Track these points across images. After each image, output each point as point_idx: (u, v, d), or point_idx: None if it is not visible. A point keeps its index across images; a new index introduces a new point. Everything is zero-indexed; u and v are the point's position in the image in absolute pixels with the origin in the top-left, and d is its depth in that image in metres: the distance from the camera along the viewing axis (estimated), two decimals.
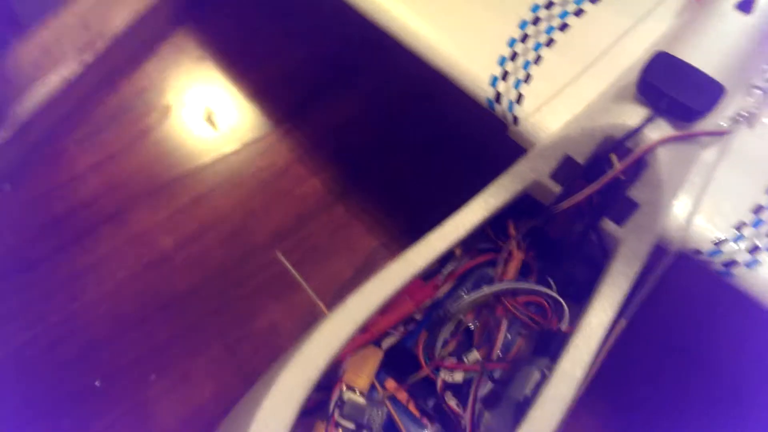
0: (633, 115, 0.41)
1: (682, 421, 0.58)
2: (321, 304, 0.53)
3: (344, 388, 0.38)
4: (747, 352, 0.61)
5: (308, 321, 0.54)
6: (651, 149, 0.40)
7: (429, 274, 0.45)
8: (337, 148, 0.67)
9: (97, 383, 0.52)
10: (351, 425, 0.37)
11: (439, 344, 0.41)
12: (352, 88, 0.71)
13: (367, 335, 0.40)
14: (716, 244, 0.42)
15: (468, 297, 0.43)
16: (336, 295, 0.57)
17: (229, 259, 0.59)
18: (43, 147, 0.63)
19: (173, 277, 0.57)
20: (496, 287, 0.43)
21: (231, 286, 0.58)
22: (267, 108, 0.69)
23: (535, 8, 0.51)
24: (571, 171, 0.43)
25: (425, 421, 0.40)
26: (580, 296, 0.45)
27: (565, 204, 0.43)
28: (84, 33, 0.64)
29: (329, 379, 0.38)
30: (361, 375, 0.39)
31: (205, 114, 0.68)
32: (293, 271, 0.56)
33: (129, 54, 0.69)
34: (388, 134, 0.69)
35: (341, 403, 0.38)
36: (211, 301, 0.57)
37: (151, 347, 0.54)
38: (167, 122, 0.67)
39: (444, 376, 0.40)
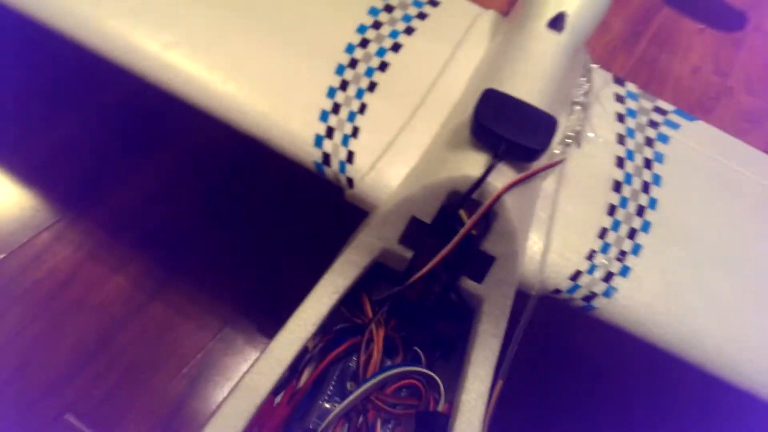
0: (473, 164, 0.37)
1: None
2: None
3: None
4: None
5: None
6: (497, 199, 0.36)
7: (278, 386, 0.37)
8: (141, 232, 0.55)
9: None
10: None
11: None
12: (145, 159, 0.60)
13: None
14: (572, 278, 0.40)
15: (334, 410, 0.35)
16: (168, 425, 0.46)
17: (8, 418, 0.44)
18: None
19: None
20: (362, 389, 0.36)
21: None
22: (34, 200, 0.54)
23: (350, 48, 0.46)
24: (419, 232, 0.38)
25: None
26: (453, 358, 0.41)
27: (420, 273, 0.38)
28: None
29: None
30: None
31: None
32: None
33: None
34: (203, 204, 0.59)
35: None
36: None
37: None
38: None
39: None
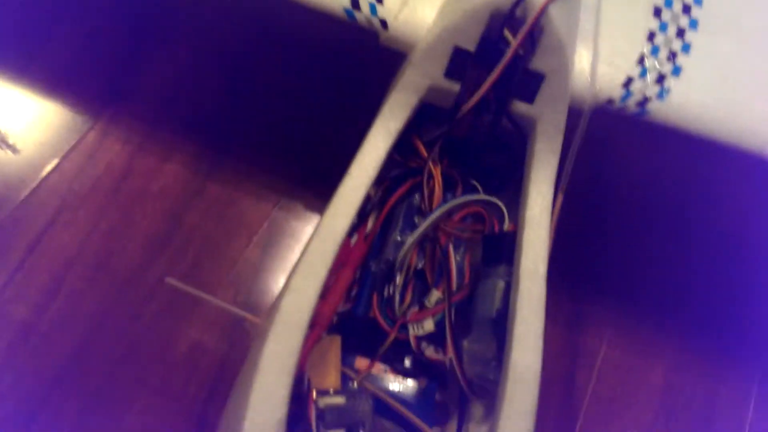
0: None
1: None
2: (237, 311, 0.45)
3: (315, 396, 0.33)
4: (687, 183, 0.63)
5: (231, 333, 0.47)
6: (543, 11, 0.35)
7: (351, 230, 0.39)
8: (183, 115, 0.56)
9: None
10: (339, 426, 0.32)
11: (396, 300, 0.36)
12: (168, 45, 0.58)
13: (315, 331, 0.34)
14: (625, 86, 0.40)
15: (408, 239, 0.37)
16: (253, 286, 0.50)
17: (107, 298, 0.48)
18: None
19: (50, 346, 0.46)
20: (432, 218, 0.38)
21: (128, 323, 0.48)
22: (73, 102, 0.55)
23: None
24: (464, 61, 0.38)
25: (411, 382, 0.36)
26: (509, 185, 0.42)
27: (470, 103, 0.38)
28: None
29: (300, 390, 0.32)
30: (327, 373, 0.34)
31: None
32: (190, 290, 0.46)
33: None
34: (238, 78, 0.58)
35: (320, 413, 0.32)
36: (110, 351, 0.47)
37: (67, 427, 0.45)
38: None
39: (414, 331, 0.36)
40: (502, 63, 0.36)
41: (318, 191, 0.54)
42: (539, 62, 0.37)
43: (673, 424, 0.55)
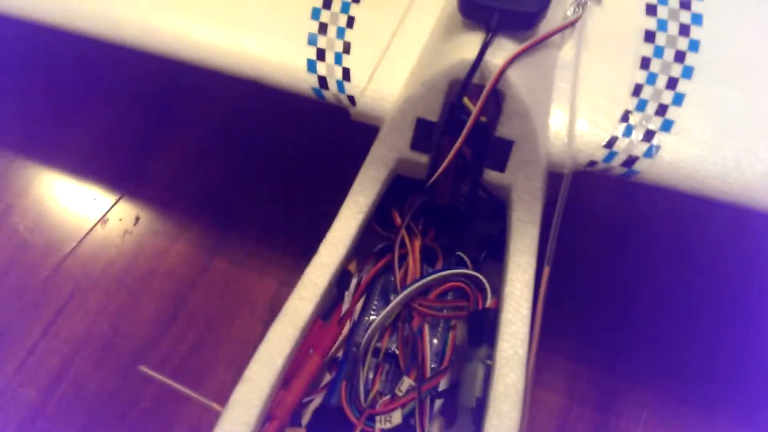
0: (468, 45, 0.34)
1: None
2: (216, 406, 0.45)
3: None
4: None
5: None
6: (500, 77, 0.34)
7: (327, 310, 0.38)
8: (192, 197, 0.58)
9: None
10: None
11: (361, 389, 0.34)
12: (179, 131, 0.62)
13: (274, 424, 0.32)
14: (607, 146, 0.37)
15: (375, 320, 0.36)
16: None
17: (109, 380, 0.49)
18: None
19: (57, 428, 0.47)
20: (401, 297, 0.36)
21: (128, 406, 0.49)
22: (90, 191, 0.59)
23: None
24: (428, 133, 0.37)
25: None
26: (497, 251, 0.40)
27: (438, 173, 0.36)
28: None
29: None
30: None
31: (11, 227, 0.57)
32: (166, 380, 0.46)
33: None
34: (241, 162, 0.61)
35: None
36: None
37: None
38: None
39: (381, 424, 0.33)
40: (464, 132, 0.35)
41: None
42: (506, 129, 0.35)
43: None
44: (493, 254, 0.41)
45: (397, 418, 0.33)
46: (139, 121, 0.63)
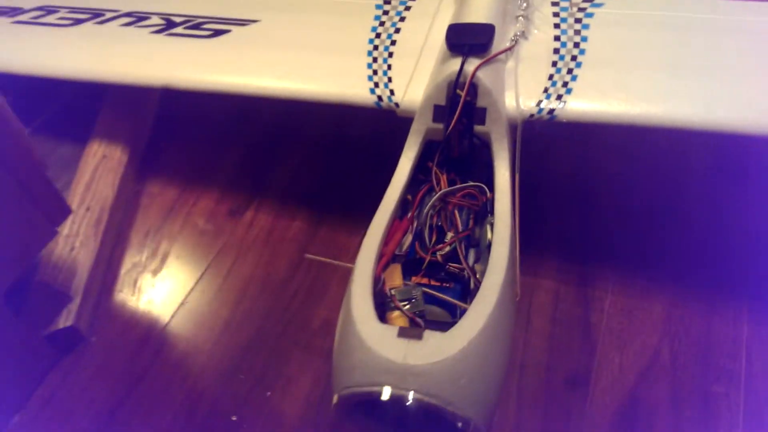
0: (454, 64, 0.68)
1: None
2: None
3: (388, 287, 0.60)
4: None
5: None
6: (473, 75, 0.67)
7: (401, 215, 0.68)
8: (299, 195, 0.93)
9: (233, 418, 0.71)
10: (405, 303, 0.59)
11: (427, 241, 0.65)
12: (288, 155, 0.99)
13: (384, 258, 0.62)
14: (538, 105, 0.69)
15: (426, 206, 0.67)
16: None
17: (271, 298, 0.81)
18: (102, 301, 0.82)
19: (241, 329, 0.78)
20: (438, 194, 0.67)
21: (283, 312, 0.79)
22: (236, 197, 0.94)
23: (374, 29, 0.79)
24: (441, 112, 0.69)
25: (445, 285, 0.63)
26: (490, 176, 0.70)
27: (448, 130, 0.68)
28: (89, 213, 0.85)
29: (379, 295, 0.60)
30: (395, 279, 0.61)
31: (197, 224, 0.91)
32: (324, 259, 0.79)
33: (124, 213, 0.91)
34: (327, 171, 0.96)
35: (391, 295, 0.59)
36: (275, 328, 0.78)
37: (256, 376, 0.74)
38: (175, 242, 0.89)
39: (439, 253, 0.63)
40: (459, 106, 0.67)
41: None
42: (481, 102, 0.68)
43: (677, 345, 0.74)
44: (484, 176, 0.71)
45: (446, 249, 0.63)
46: (243, 156, 1.00)
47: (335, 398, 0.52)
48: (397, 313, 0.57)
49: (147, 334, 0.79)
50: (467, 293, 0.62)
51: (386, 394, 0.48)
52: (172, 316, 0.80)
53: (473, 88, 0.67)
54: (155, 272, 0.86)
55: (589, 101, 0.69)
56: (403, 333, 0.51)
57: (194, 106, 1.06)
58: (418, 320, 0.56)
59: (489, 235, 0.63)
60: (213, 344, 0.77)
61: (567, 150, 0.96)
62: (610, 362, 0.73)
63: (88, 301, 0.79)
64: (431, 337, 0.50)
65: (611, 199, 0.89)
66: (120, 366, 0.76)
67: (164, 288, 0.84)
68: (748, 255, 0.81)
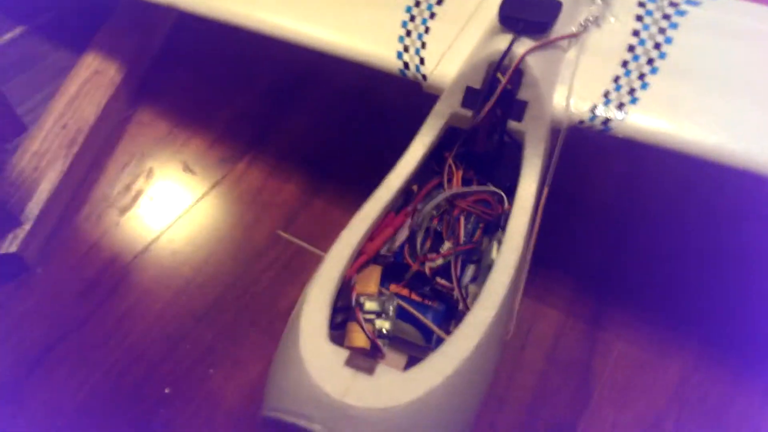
0: (502, 41, 0.55)
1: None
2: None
3: (356, 293, 0.49)
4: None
5: None
6: (521, 60, 0.54)
7: (398, 208, 0.57)
8: (299, 158, 0.81)
9: (166, 390, 0.62)
10: (372, 315, 0.48)
11: (418, 246, 0.53)
12: (297, 111, 0.86)
13: (363, 257, 0.51)
14: (592, 110, 0.56)
15: (427, 205, 0.55)
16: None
17: (240, 267, 0.71)
18: (58, 231, 0.74)
19: (201, 294, 0.68)
20: (445, 194, 0.56)
21: (250, 285, 0.69)
22: (230, 145, 0.83)
23: None
24: (474, 97, 0.57)
25: (427, 302, 0.52)
26: (513, 183, 0.58)
27: (478, 119, 0.56)
28: (64, 132, 0.76)
29: (345, 300, 0.49)
30: (369, 284, 0.51)
31: (182, 165, 0.80)
32: (298, 242, 0.68)
33: (105, 139, 0.81)
34: (338, 137, 0.84)
35: (360, 304, 0.49)
36: (237, 301, 0.68)
37: (202, 350, 0.65)
38: (153, 181, 0.79)
39: (429, 264, 0.52)
40: (496, 93, 0.55)
41: None
42: (523, 94, 0.55)
43: (685, 415, 0.62)
44: (510, 189, 0.59)
45: (439, 261, 0.52)
46: (259, 101, 0.88)
47: (263, 414, 0.43)
48: (358, 327, 0.47)
49: (97, 278, 0.70)
50: (453, 316, 0.52)
51: None
52: (130, 263, 0.72)
53: (518, 74, 0.55)
54: (123, 210, 0.76)
55: (656, 117, 0.56)
56: (352, 361, 0.40)
57: (206, 41, 0.94)
58: (379, 344, 0.46)
59: (494, 255, 0.52)
60: (165, 304, 0.68)
61: (611, 163, 0.82)
62: (602, 421, 0.62)
63: (40, 229, 0.70)
64: (385, 374, 0.40)
65: (651, 233, 0.76)
66: (61, 307, 0.68)
67: (129, 230, 0.75)
68: None
